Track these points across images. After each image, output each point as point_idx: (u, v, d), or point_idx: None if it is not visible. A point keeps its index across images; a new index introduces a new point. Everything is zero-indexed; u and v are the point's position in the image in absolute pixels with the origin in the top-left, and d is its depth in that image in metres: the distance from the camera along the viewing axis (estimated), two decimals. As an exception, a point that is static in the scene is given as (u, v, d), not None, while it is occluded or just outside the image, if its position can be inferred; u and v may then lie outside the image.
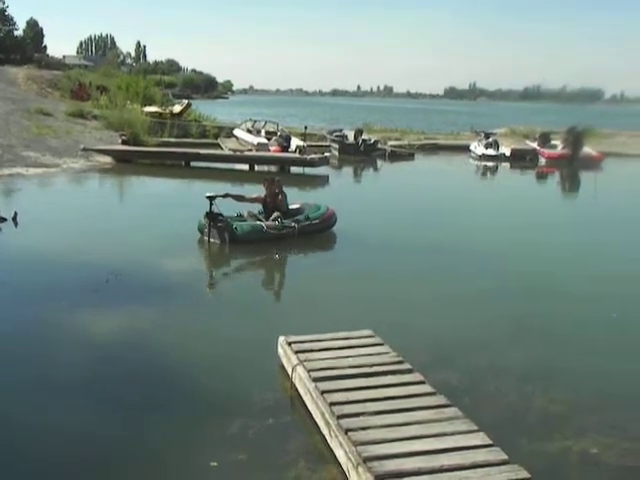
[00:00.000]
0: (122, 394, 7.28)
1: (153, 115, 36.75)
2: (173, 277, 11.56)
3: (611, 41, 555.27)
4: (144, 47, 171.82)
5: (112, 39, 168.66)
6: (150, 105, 39.99)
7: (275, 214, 14.37)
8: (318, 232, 14.61)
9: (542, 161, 34.49)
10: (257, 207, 14.78)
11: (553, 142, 35.86)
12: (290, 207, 14.90)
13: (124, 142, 29.63)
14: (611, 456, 6.28)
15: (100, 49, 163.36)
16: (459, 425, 5.93)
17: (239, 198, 14.75)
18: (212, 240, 13.85)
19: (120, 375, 7.74)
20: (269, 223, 14.06)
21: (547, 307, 10.58)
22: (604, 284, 11.96)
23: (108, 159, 26.84)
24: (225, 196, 14.24)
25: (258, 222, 14.16)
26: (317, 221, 14.63)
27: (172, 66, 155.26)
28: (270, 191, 14.63)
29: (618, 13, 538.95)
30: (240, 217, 14.41)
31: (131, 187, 23.65)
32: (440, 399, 6.42)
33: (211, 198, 13.75)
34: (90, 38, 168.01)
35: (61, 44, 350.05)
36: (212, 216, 13.82)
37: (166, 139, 32.93)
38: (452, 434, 5.78)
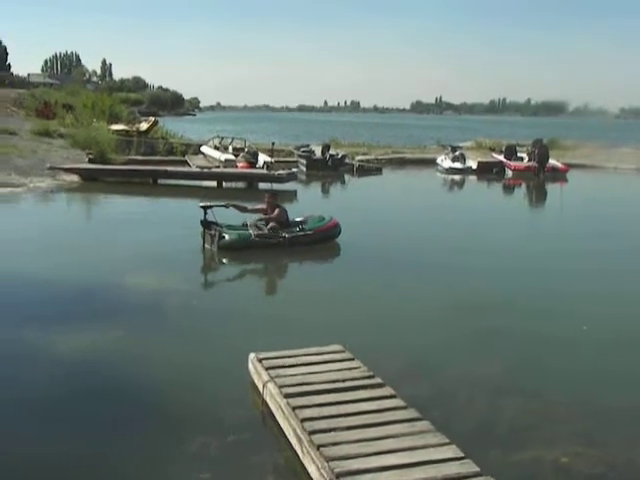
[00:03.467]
0: (88, 412, 7.22)
1: (120, 133, 36.47)
2: (143, 294, 11.49)
3: (577, 56, 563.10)
4: (110, 65, 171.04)
5: (77, 57, 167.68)
6: (117, 123, 39.70)
7: (271, 224, 15.02)
8: (315, 242, 15.10)
9: (509, 173, 34.81)
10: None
11: (519, 154, 36.26)
12: (296, 219, 15.59)
13: (91, 160, 29.38)
14: (581, 465, 6.35)
15: (65, 67, 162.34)
16: (431, 438, 5.94)
17: (242, 209, 15.46)
18: (207, 246, 14.72)
19: (88, 392, 7.68)
20: (257, 232, 14.69)
21: (515, 320, 10.65)
22: (573, 297, 12.11)
23: (75, 177, 26.60)
24: (228, 206, 15.22)
25: (246, 231, 14.82)
26: (311, 232, 15.16)
27: (138, 83, 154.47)
28: (269, 203, 15.33)
29: (578, 32, 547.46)
30: (243, 226, 15.10)
31: (98, 205, 23.43)
32: (411, 413, 6.42)
33: (205, 207, 14.80)
34: (55, 56, 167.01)
35: (26, 62, 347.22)
36: (206, 224, 14.77)
37: (133, 157, 32.66)
38: (424, 447, 5.78)
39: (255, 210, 15.59)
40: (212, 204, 15.09)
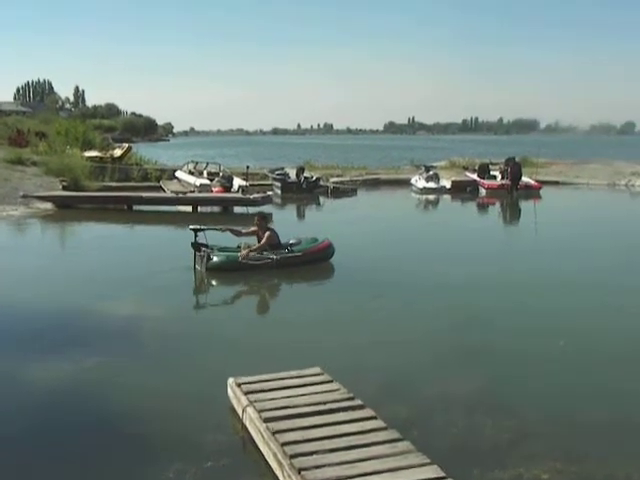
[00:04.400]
0: (64, 441, 7.20)
1: (93, 160, 36.36)
2: (120, 320, 11.47)
3: (543, 73, 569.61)
4: (83, 92, 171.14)
5: (50, 84, 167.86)
6: (90, 150, 39.61)
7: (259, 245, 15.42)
8: (305, 264, 15.34)
9: (482, 192, 35.08)
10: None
11: (492, 173, 36.56)
12: (290, 241, 15.88)
13: (65, 187, 29.31)
14: (561, 481, 6.37)
15: (38, 95, 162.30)
16: (412, 459, 5.94)
17: (236, 233, 15.95)
18: (197, 268, 15.09)
19: (64, 422, 7.64)
20: (243, 253, 15.05)
21: (492, 337, 10.70)
22: (549, 313, 12.20)
23: (49, 205, 26.48)
24: (224, 230, 15.92)
25: (235, 253, 15.19)
26: (300, 254, 15.44)
27: (111, 110, 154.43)
28: (260, 226, 15.68)
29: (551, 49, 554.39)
30: (237, 248, 15.44)
31: (73, 232, 23.33)
32: (392, 433, 6.43)
33: (195, 230, 15.22)
34: (27, 84, 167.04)
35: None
36: (196, 246, 15.17)
37: (107, 183, 32.60)
38: (406, 468, 5.79)
39: (248, 233, 15.89)
40: (203, 227, 15.50)
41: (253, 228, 15.87)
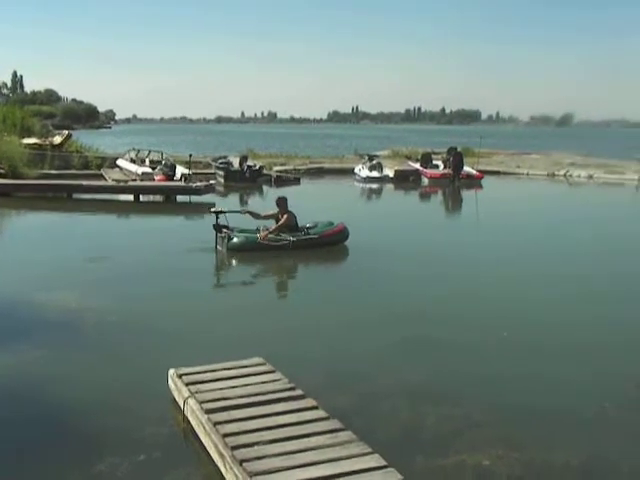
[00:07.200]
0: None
1: (32, 147, 35.65)
2: (60, 312, 11.18)
3: (485, 68, 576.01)
4: (21, 77, 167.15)
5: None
6: (29, 136, 38.82)
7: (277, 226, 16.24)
8: (321, 246, 16.16)
9: (425, 181, 35.40)
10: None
11: (434, 162, 36.89)
12: (306, 224, 16.68)
13: (2, 175, 28.60)
14: (502, 467, 6.46)
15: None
16: (354, 448, 5.93)
17: (256, 215, 16.71)
18: (219, 248, 15.97)
19: None
20: (263, 234, 15.86)
21: (437, 327, 10.74)
22: (493, 303, 12.35)
23: (-15, 194, 25.87)
24: (243, 212, 17.06)
25: (254, 234, 16.02)
26: (316, 236, 16.24)
27: (51, 96, 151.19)
28: (280, 207, 16.44)
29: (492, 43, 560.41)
30: (255, 230, 16.24)
31: (10, 222, 22.84)
32: (334, 423, 6.41)
33: (217, 212, 16.16)
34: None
35: None
36: (218, 228, 16.02)
37: (47, 171, 32.01)
38: (347, 458, 5.76)
39: (267, 216, 16.66)
40: (224, 210, 16.44)
41: (272, 212, 16.63)
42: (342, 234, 16.82)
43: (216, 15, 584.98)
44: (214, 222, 16.12)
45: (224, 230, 15.98)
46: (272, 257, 15.47)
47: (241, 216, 16.91)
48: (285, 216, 16.24)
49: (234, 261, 15.59)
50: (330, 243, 16.48)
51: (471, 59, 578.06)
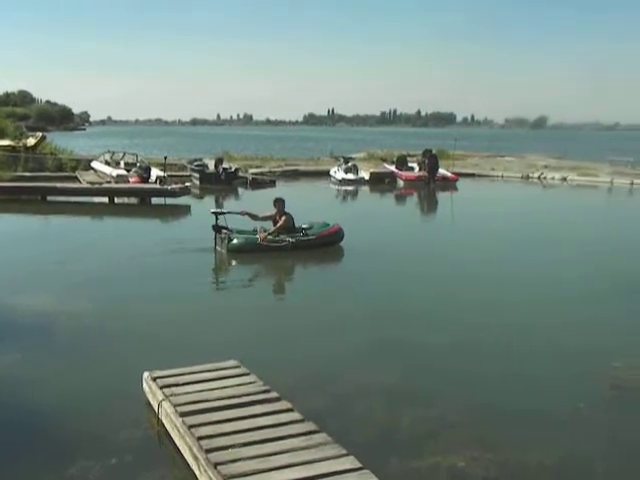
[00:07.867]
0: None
1: (5, 149, 35.35)
2: (34, 315, 11.10)
3: (460, 71, 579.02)
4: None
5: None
6: (2, 139, 38.50)
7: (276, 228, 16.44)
8: (318, 247, 16.41)
9: (400, 183, 35.48)
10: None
11: (410, 164, 37.02)
12: (302, 225, 16.84)
13: (-26, 178, 28.41)
14: (477, 468, 6.47)
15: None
16: (328, 450, 5.92)
17: (254, 217, 16.78)
18: (218, 249, 16.13)
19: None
20: (262, 236, 16.04)
21: (412, 329, 10.77)
22: (469, 304, 12.35)
23: (-43, 196, 25.58)
24: (243, 214, 16.71)
25: (254, 235, 16.18)
26: (313, 237, 16.52)
27: (25, 97, 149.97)
28: (278, 208, 16.64)
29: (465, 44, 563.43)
30: (252, 232, 16.41)
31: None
32: (309, 426, 6.40)
33: (216, 213, 16.43)
34: None
35: None
36: (217, 228, 16.19)
37: (20, 173, 31.77)
38: (322, 460, 5.75)
39: (265, 217, 16.80)
40: (224, 211, 16.79)
41: (269, 213, 16.77)
42: (338, 235, 17.07)
43: (187, 16, 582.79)
44: (213, 223, 16.28)
45: (224, 231, 16.15)
46: (269, 258, 15.65)
47: (236, 216, 16.83)
48: (283, 218, 16.47)
49: (222, 264, 15.71)
50: (327, 244, 16.75)
51: (446, 62, 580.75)
